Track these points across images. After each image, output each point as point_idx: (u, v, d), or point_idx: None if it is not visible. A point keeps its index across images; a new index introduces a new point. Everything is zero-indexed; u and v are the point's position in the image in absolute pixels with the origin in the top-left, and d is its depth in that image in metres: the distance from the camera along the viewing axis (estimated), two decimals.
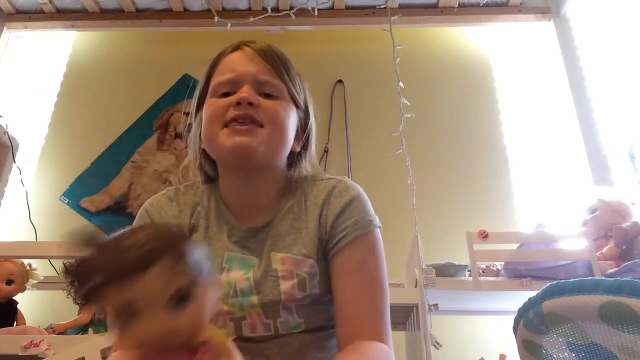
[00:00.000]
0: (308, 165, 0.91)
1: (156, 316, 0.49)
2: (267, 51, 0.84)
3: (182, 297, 0.50)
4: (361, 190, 0.85)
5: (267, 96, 0.81)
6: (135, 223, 0.84)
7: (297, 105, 0.87)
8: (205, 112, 0.83)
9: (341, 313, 0.76)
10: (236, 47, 0.86)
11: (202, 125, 0.83)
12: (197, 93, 0.89)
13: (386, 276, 0.80)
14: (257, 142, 0.78)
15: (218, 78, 0.83)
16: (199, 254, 0.54)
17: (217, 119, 0.80)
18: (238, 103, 0.78)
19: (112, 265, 0.49)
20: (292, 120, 0.84)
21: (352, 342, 0.72)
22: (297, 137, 0.88)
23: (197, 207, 0.86)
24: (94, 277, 0.49)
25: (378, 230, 0.82)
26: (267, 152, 0.80)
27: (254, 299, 0.76)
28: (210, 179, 0.90)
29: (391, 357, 0.73)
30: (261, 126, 0.79)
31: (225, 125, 0.79)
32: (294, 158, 0.89)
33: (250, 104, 0.78)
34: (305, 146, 0.90)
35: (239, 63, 0.83)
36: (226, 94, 0.81)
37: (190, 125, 0.91)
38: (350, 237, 0.78)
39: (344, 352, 0.71)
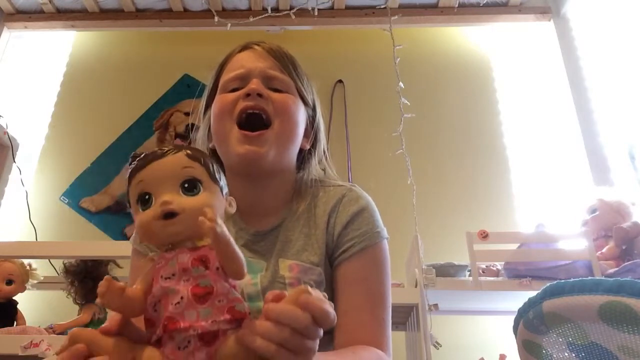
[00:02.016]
0: (318, 166, 0.90)
1: (167, 194, 0.52)
2: (275, 49, 0.85)
3: (193, 185, 0.54)
4: (370, 200, 0.84)
5: (276, 91, 0.81)
6: None
7: (305, 103, 0.86)
8: (214, 107, 0.83)
9: (341, 322, 0.74)
10: (245, 47, 0.86)
11: (212, 122, 0.83)
12: (206, 93, 0.89)
13: (389, 288, 0.79)
14: (267, 148, 0.77)
15: (227, 75, 0.83)
16: (219, 172, 0.57)
17: (226, 113, 0.79)
18: (247, 95, 0.78)
19: (139, 160, 0.55)
20: (301, 115, 0.84)
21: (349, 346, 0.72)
22: (306, 135, 0.88)
23: None
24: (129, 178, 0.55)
25: (385, 242, 0.81)
26: (278, 153, 0.79)
27: (261, 304, 0.75)
28: None
29: None
30: (270, 125, 0.79)
31: (237, 124, 0.78)
32: (304, 158, 0.89)
33: (259, 95, 0.78)
34: (314, 145, 0.90)
35: (248, 60, 0.83)
36: (235, 90, 0.81)
37: (193, 125, 0.91)
38: (357, 248, 0.78)
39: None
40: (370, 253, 0.78)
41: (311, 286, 0.75)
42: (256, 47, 0.85)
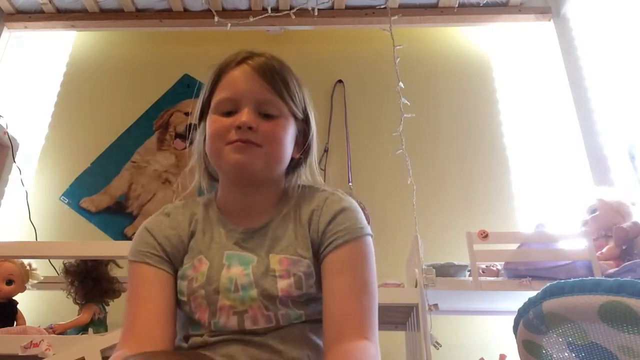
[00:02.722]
0: (308, 173, 0.94)
1: None
2: (266, 69, 0.86)
3: None
4: (354, 202, 0.89)
5: (267, 116, 0.85)
6: (134, 242, 0.87)
7: (296, 117, 0.89)
8: (208, 127, 0.86)
9: (328, 312, 0.78)
10: (238, 63, 0.87)
11: (207, 140, 0.87)
12: (200, 101, 0.92)
13: (375, 280, 0.83)
14: (254, 161, 0.82)
15: (219, 95, 0.86)
16: None
17: (220, 138, 0.83)
18: (239, 127, 0.82)
19: None
20: (290, 137, 0.88)
21: (338, 341, 0.74)
22: (297, 144, 0.91)
23: (195, 215, 0.90)
24: None
25: (369, 238, 0.85)
26: (265, 169, 0.84)
27: (254, 292, 0.79)
28: (215, 180, 0.95)
29: (376, 356, 0.75)
30: (260, 146, 0.83)
31: (228, 143, 0.83)
32: (294, 165, 0.93)
33: (250, 127, 0.82)
34: (306, 153, 0.93)
35: (240, 82, 0.85)
36: (228, 113, 0.85)
37: (192, 125, 0.94)
38: (340, 241, 0.82)
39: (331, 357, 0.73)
40: (353, 246, 0.82)
41: (300, 278, 0.80)
42: (247, 66, 0.86)
